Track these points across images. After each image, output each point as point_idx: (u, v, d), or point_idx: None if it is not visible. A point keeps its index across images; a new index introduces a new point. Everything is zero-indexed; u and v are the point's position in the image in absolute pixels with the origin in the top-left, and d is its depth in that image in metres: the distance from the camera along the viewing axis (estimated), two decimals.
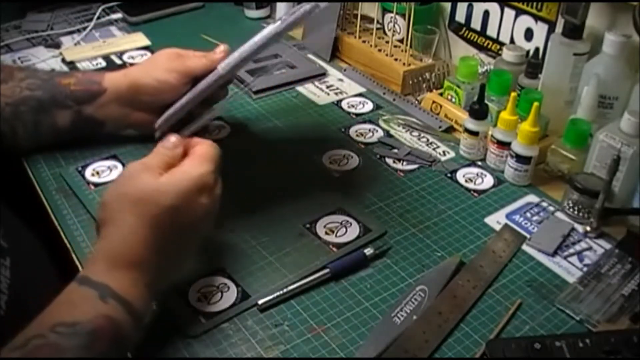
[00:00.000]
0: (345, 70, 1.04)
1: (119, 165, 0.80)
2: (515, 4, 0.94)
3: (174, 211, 0.54)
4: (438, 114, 0.91)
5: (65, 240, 0.69)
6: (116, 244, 0.53)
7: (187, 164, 0.58)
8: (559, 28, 0.87)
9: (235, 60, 0.69)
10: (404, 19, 1.02)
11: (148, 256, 0.53)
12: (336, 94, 0.98)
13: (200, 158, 0.58)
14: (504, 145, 0.79)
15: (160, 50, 0.82)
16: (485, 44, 1.01)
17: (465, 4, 1.02)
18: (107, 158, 0.81)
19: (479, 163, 0.82)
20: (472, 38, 1.03)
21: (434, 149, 0.85)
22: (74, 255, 0.67)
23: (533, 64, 0.86)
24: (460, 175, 0.80)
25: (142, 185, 0.55)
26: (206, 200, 0.57)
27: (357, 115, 0.93)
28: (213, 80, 0.70)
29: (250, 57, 0.69)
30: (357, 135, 0.88)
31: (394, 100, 0.95)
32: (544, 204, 0.75)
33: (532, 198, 0.77)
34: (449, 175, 0.80)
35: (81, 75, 0.81)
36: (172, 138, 0.61)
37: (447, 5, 1.06)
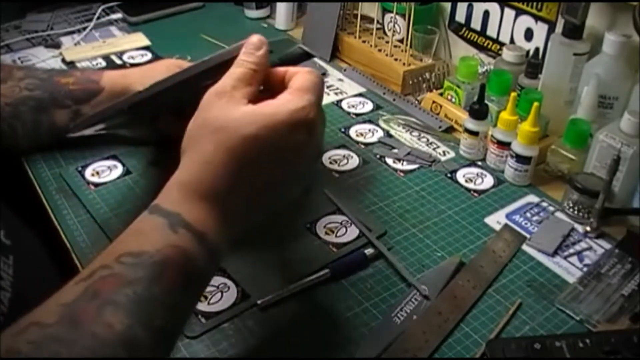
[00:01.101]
0: (345, 70, 1.04)
1: (119, 165, 0.80)
2: (515, 4, 0.94)
3: (261, 143, 0.48)
4: (438, 114, 0.91)
5: (65, 240, 0.69)
6: (191, 173, 0.49)
7: (283, 96, 0.50)
8: (559, 28, 0.87)
9: (222, 54, 0.58)
10: (404, 19, 1.02)
11: (226, 188, 0.48)
12: (336, 94, 0.98)
13: (298, 91, 0.51)
14: (504, 145, 0.79)
15: (162, 60, 0.83)
16: (485, 44, 1.01)
17: (465, 4, 1.02)
18: (107, 158, 0.81)
19: (479, 163, 0.82)
20: (472, 38, 1.03)
21: (434, 149, 0.85)
22: (73, 255, 0.67)
23: (533, 64, 0.86)
24: (460, 175, 0.80)
25: (223, 112, 0.49)
26: (304, 136, 0.49)
27: (357, 115, 0.93)
28: (193, 67, 0.60)
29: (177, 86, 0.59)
30: (357, 135, 0.88)
31: (394, 100, 0.95)
32: (544, 204, 0.75)
33: (532, 198, 0.77)
34: (449, 175, 0.80)
35: (80, 74, 0.82)
36: (254, 38, 0.54)
37: (447, 5, 1.06)
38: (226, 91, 0.50)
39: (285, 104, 0.49)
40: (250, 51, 0.53)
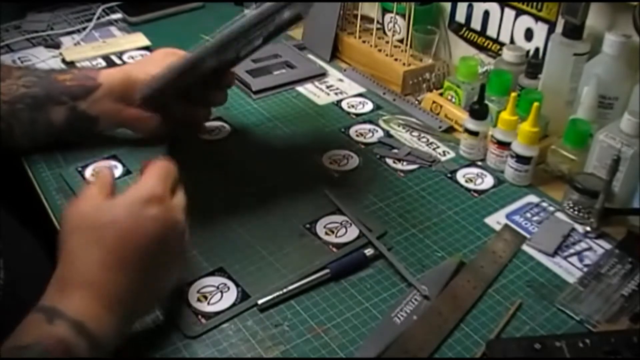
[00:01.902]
0: (345, 70, 1.04)
1: (119, 166, 0.80)
2: (515, 4, 0.94)
3: (119, 225, 0.52)
4: (438, 114, 0.91)
5: None
6: (63, 267, 0.51)
7: (132, 185, 0.56)
8: (559, 28, 0.87)
9: (226, 34, 0.66)
10: (404, 19, 1.02)
11: (97, 274, 0.51)
12: (336, 94, 0.98)
13: (145, 176, 0.57)
14: (504, 145, 0.79)
15: (157, 50, 0.84)
16: (485, 44, 1.01)
17: (465, 4, 1.02)
18: (107, 158, 0.81)
19: (479, 163, 0.82)
20: (472, 38, 1.03)
21: (434, 149, 0.85)
22: None
23: (533, 64, 0.86)
24: (460, 176, 0.80)
25: (83, 208, 0.53)
26: (155, 210, 0.53)
27: (357, 115, 0.93)
28: (199, 52, 0.68)
29: (239, 36, 0.67)
30: (357, 135, 0.88)
31: (394, 100, 0.95)
32: (544, 204, 0.75)
33: (532, 198, 0.76)
34: (449, 175, 0.80)
35: (77, 71, 0.82)
36: (105, 169, 0.61)
37: (447, 5, 1.06)
38: (83, 197, 0.55)
39: (132, 188, 0.55)
40: (105, 174, 0.59)
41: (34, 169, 0.80)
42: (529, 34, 0.93)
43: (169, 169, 0.58)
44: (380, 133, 0.88)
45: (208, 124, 0.88)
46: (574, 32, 0.80)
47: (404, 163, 0.82)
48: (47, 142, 0.81)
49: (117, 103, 0.79)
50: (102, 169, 0.61)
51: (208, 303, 0.61)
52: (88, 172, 0.79)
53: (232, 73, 0.82)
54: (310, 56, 1.08)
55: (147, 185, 0.55)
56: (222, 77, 0.80)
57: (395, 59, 1.00)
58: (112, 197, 0.55)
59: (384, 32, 1.08)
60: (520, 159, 0.76)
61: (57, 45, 1.09)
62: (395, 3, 1.02)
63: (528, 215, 0.74)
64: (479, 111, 0.80)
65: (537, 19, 0.91)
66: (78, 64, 1.02)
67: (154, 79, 0.73)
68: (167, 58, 0.78)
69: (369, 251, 0.66)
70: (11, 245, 0.60)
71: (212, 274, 0.64)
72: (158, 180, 0.56)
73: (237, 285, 0.63)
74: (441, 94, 0.93)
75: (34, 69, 0.83)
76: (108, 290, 0.51)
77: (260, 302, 0.61)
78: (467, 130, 0.82)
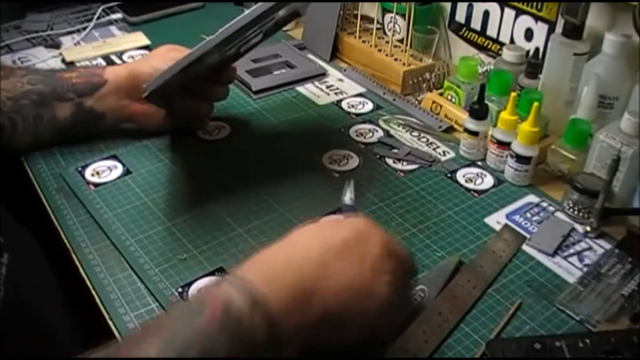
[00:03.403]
0: (345, 70, 1.04)
1: (119, 165, 0.80)
2: (515, 4, 0.94)
3: (351, 244, 0.52)
4: (438, 114, 0.91)
5: (65, 240, 0.69)
6: (277, 248, 0.52)
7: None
8: (559, 28, 0.87)
9: (228, 30, 0.68)
10: (404, 19, 1.02)
11: (308, 269, 0.49)
12: (336, 94, 0.98)
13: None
14: (504, 145, 0.79)
15: (159, 47, 0.85)
16: (485, 44, 1.01)
17: (465, 4, 1.02)
18: (107, 158, 0.81)
19: (479, 163, 0.82)
20: (472, 38, 1.03)
21: (434, 149, 0.85)
22: (74, 256, 0.67)
23: (533, 64, 0.86)
24: (460, 176, 0.80)
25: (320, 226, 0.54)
26: (376, 249, 0.52)
27: (357, 115, 0.93)
28: (202, 47, 0.68)
29: (240, 32, 0.68)
30: (357, 135, 0.88)
31: (394, 100, 0.95)
32: (544, 204, 0.75)
33: (532, 198, 0.76)
34: (449, 175, 0.80)
35: (83, 69, 0.83)
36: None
37: (447, 5, 1.06)
38: None
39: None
40: None
41: (33, 168, 0.80)
42: (529, 34, 0.93)
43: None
44: (380, 133, 0.88)
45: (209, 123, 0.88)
46: (574, 32, 0.80)
47: (404, 163, 0.82)
48: (50, 139, 0.81)
49: (123, 99, 0.80)
50: None
51: None
52: (88, 172, 0.79)
53: (233, 69, 0.83)
54: (310, 56, 1.08)
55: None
56: (224, 73, 0.81)
57: (395, 59, 1.00)
58: None
59: (384, 32, 1.08)
60: (520, 158, 0.76)
61: (57, 45, 1.09)
62: (395, 3, 1.02)
63: (528, 215, 0.74)
64: (479, 111, 0.80)
65: (537, 19, 0.91)
66: (78, 64, 1.02)
67: (160, 74, 0.73)
68: (170, 54, 0.79)
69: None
70: (12, 245, 0.60)
71: (212, 273, 0.64)
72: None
73: None
74: (441, 94, 0.93)
75: (37, 69, 0.84)
76: (312, 289, 0.47)
77: None
78: (467, 130, 0.82)
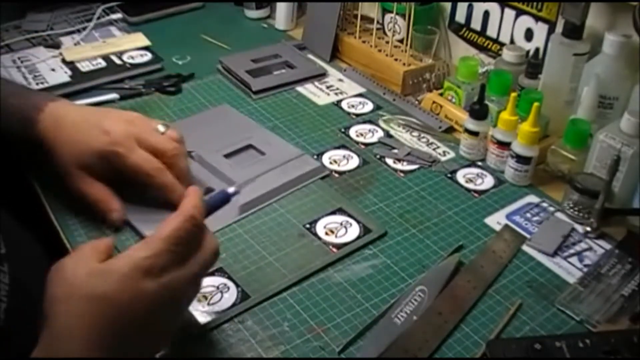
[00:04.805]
0: (345, 70, 1.04)
1: None
2: (515, 4, 0.94)
3: (111, 302, 0.45)
4: (438, 114, 0.91)
5: (65, 241, 0.69)
6: (49, 339, 0.46)
7: (135, 245, 0.49)
8: (559, 28, 0.87)
9: None
10: (404, 19, 1.02)
11: (83, 353, 0.45)
12: (336, 94, 0.98)
13: (153, 238, 0.49)
14: (504, 145, 0.79)
15: (117, 112, 0.75)
16: (485, 44, 1.01)
17: (465, 4, 1.02)
18: None
19: (479, 163, 0.82)
20: (472, 38, 1.03)
21: (434, 150, 0.85)
22: None
23: (533, 64, 0.86)
24: (460, 176, 0.80)
25: (74, 272, 0.47)
26: (151, 285, 0.47)
27: (357, 115, 0.93)
28: None
29: None
30: (357, 136, 0.88)
31: (394, 100, 0.95)
32: (544, 204, 0.75)
33: (532, 198, 0.76)
34: (449, 175, 0.80)
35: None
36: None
37: (447, 6, 1.06)
38: (75, 258, 0.48)
39: (130, 254, 0.47)
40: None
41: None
42: (529, 34, 0.93)
43: (186, 231, 0.49)
44: (380, 133, 0.88)
45: None
46: (574, 32, 0.80)
47: (404, 163, 0.82)
48: None
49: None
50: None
51: (208, 303, 0.61)
52: None
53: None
54: (310, 56, 1.08)
55: (149, 252, 0.47)
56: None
57: (395, 59, 1.00)
58: (107, 261, 0.48)
59: (384, 32, 1.08)
60: (520, 159, 0.76)
61: (57, 45, 1.09)
62: (395, 3, 1.02)
63: (528, 215, 0.74)
64: (479, 111, 0.80)
65: (537, 19, 0.91)
66: (78, 64, 1.02)
67: None
68: (129, 126, 0.70)
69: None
70: (13, 248, 0.59)
71: (212, 274, 0.64)
72: (164, 245, 0.48)
73: (237, 285, 0.63)
74: (441, 94, 0.93)
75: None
76: None
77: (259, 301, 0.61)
78: (467, 131, 0.82)
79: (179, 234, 0.49)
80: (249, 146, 0.83)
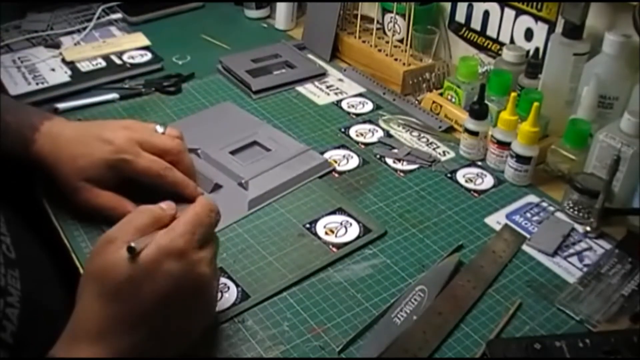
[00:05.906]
0: (345, 70, 1.04)
1: None
2: (515, 4, 0.94)
3: (135, 283, 0.49)
4: (438, 114, 0.91)
5: (66, 241, 0.69)
6: (76, 318, 0.50)
7: (159, 232, 0.52)
8: (559, 28, 0.87)
9: None
10: (404, 19, 1.02)
11: (109, 330, 0.49)
12: (336, 94, 0.98)
13: (174, 224, 0.52)
14: (504, 145, 0.79)
15: (115, 122, 0.77)
16: (485, 44, 1.01)
17: (465, 4, 1.02)
18: None
19: (479, 163, 0.82)
20: (472, 38, 1.03)
21: (434, 149, 0.85)
22: (74, 256, 0.67)
23: (533, 64, 0.86)
24: (460, 176, 0.80)
25: (101, 261, 0.50)
26: (174, 267, 0.50)
27: (357, 115, 0.93)
28: None
29: None
30: (357, 135, 0.88)
31: (394, 100, 0.95)
32: (544, 204, 0.75)
33: (532, 198, 0.76)
34: (449, 175, 0.80)
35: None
36: (163, 205, 0.55)
37: (447, 5, 1.06)
38: (107, 241, 0.51)
39: (156, 240, 0.51)
40: (143, 211, 0.54)
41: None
42: (529, 34, 0.93)
43: (202, 217, 0.53)
44: (380, 133, 0.88)
45: None
46: (574, 32, 0.80)
47: (404, 163, 0.82)
48: None
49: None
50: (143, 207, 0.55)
51: None
52: None
53: None
54: (310, 56, 1.08)
55: (172, 236, 0.51)
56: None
57: (395, 59, 1.00)
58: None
59: (384, 32, 1.08)
60: (520, 158, 0.76)
61: (57, 45, 1.09)
62: (395, 3, 1.02)
63: (528, 215, 0.74)
64: (479, 111, 0.80)
65: (537, 19, 0.91)
66: (78, 64, 1.02)
67: None
68: (128, 133, 0.70)
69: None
70: (23, 256, 0.59)
71: None
72: (185, 230, 0.52)
73: (237, 285, 0.63)
74: (441, 94, 0.93)
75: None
76: (118, 347, 0.48)
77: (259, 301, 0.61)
78: (467, 130, 0.82)
79: (200, 219, 0.53)
80: (254, 143, 0.84)
